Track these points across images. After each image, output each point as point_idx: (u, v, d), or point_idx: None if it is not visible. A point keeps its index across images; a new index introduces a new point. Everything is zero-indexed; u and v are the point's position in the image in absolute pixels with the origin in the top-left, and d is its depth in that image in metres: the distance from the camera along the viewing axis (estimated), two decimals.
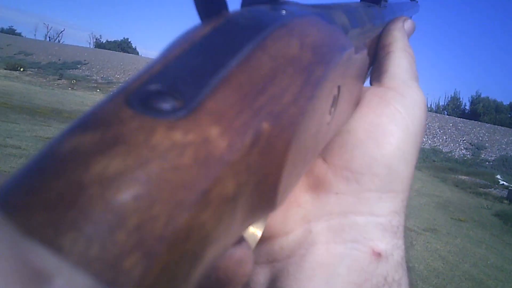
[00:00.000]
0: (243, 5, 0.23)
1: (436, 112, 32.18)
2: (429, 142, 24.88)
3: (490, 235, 7.62)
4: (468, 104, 33.57)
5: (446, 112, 33.45)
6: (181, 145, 0.12)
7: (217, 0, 0.19)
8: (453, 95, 34.90)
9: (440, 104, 35.78)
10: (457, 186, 14.64)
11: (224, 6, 0.19)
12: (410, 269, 0.28)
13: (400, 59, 0.31)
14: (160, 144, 0.12)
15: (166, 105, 0.13)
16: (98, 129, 0.12)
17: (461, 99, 34.70)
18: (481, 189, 14.11)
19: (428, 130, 26.38)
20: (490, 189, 14.15)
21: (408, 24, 0.35)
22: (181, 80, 0.14)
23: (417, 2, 0.73)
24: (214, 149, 0.13)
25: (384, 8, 0.44)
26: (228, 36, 0.17)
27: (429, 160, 20.13)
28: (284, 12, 0.20)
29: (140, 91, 0.14)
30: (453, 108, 33.78)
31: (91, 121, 0.13)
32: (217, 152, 0.13)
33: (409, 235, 6.24)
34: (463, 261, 5.56)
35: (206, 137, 0.13)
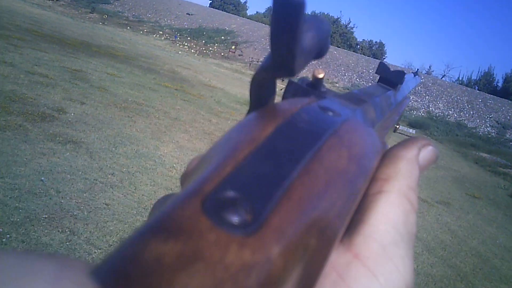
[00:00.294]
0: (286, 95, 0.27)
1: (466, 85, 31.45)
2: (455, 115, 24.44)
3: (503, 215, 7.57)
4: (501, 82, 32.54)
5: (476, 87, 32.58)
6: (249, 265, 0.12)
7: (270, 91, 0.23)
8: (486, 70, 33.92)
9: (472, 78, 34.83)
10: (476, 163, 14.45)
11: (274, 94, 0.23)
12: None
13: (392, 207, 0.20)
14: (233, 264, 0.12)
15: (238, 218, 0.13)
16: (179, 239, 0.12)
17: (494, 76, 33.67)
18: (501, 168, 13.90)
19: (455, 104, 25.85)
20: (510, 170, 13.93)
21: (426, 155, 0.25)
22: (251, 189, 0.14)
23: (419, 76, 0.78)
24: (273, 270, 0.13)
25: (398, 90, 0.45)
26: (289, 141, 0.18)
27: (452, 134, 19.82)
28: (331, 114, 0.21)
29: (215, 197, 0.14)
30: (484, 83, 32.86)
31: (172, 228, 0.13)
32: (275, 272, 0.13)
33: (422, 206, 6.23)
34: (471, 237, 5.56)
35: (268, 257, 0.13)
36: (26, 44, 8.66)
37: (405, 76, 0.48)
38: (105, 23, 27.24)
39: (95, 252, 2.49)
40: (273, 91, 0.25)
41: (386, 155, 0.24)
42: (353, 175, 0.19)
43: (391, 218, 0.20)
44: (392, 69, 0.46)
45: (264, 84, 0.24)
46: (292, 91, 0.27)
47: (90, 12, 29.76)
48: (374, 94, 0.35)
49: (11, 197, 2.72)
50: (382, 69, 0.47)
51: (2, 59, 6.50)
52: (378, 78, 0.47)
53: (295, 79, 0.26)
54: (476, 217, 6.73)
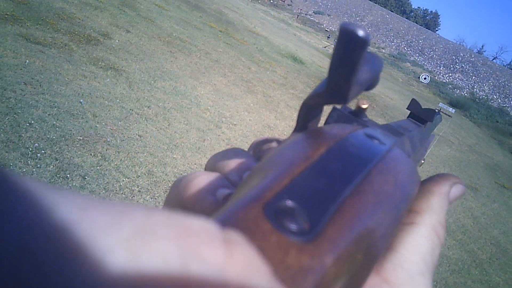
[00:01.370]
0: (329, 120, 0.28)
1: None
2: (499, 101, 23.54)
3: None
4: None
5: None
6: (306, 269, 0.13)
7: (317, 115, 0.26)
8: None
9: None
10: None
11: (319, 118, 0.26)
12: None
13: (422, 240, 0.22)
14: (292, 266, 0.13)
15: (296, 226, 0.14)
16: (245, 237, 0.13)
17: None
18: None
19: (501, 89, 24.84)
20: None
21: (456, 192, 0.26)
22: (307, 201, 0.16)
23: (440, 115, 0.79)
24: (326, 277, 0.14)
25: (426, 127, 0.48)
26: (341, 162, 0.19)
27: (493, 120, 19.16)
28: (376, 142, 0.23)
29: (275, 204, 0.15)
30: None
31: (238, 227, 0.14)
32: (327, 280, 0.14)
33: None
34: (493, 226, 5.46)
35: (323, 264, 0.14)
36: None
37: (436, 115, 0.51)
38: None
39: (123, 180, 2.54)
40: (319, 115, 0.26)
41: (420, 188, 0.26)
42: (398, 200, 0.20)
43: (420, 250, 0.22)
44: (423, 107, 0.48)
45: (314, 108, 0.25)
46: (335, 117, 0.29)
47: None
48: (408, 128, 0.37)
49: (50, 114, 2.78)
50: (414, 105, 0.49)
51: None
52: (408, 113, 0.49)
53: (339, 106, 0.28)
54: (501, 207, 6.59)
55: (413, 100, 0.48)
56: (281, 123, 4.92)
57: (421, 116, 0.47)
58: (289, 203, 0.15)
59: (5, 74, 2.95)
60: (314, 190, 0.16)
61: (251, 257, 0.12)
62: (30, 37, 3.76)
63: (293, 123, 5.10)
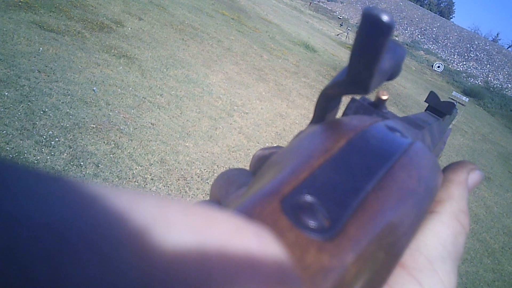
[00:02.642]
0: (347, 112, 0.27)
1: None
2: None
3: None
4: None
5: None
6: (326, 269, 0.13)
7: (335, 106, 0.25)
8: None
9: None
10: None
11: (337, 109, 0.25)
12: None
13: (442, 227, 0.21)
14: (311, 265, 0.13)
15: (316, 222, 0.14)
16: None
17: None
18: None
19: None
20: None
21: (474, 178, 0.26)
22: (327, 196, 0.15)
23: (456, 109, 0.76)
24: (346, 276, 0.13)
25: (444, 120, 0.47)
26: (362, 155, 0.18)
27: (507, 109, 18.89)
28: (399, 134, 0.22)
29: (293, 198, 0.14)
30: None
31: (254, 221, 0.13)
32: (348, 279, 0.13)
33: None
34: (506, 216, 5.41)
35: (344, 264, 0.13)
36: None
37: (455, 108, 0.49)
38: None
39: (136, 168, 2.55)
40: (337, 106, 0.26)
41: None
42: (421, 196, 0.19)
43: (441, 236, 0.21)
44: (442, 100, 0.47)
45: (333, 99, 0.24)
46: (354, 108, 0.27)
47: None
48: (427, 121, 0.36)
49: (63, 102, 2.79)
50: (432, 98, 0.47)
51: None
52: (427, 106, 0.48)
53: (358, 96, 0.27)
54: None
55: (431, 92, 0.47)
56: (293, 112, 4.89)
57: (439, 109, 0.46)
58: (308, 198, 0.14)
59: (19, 61, 2.96)
60: (335, 184, 0.15)
61: (281, 254, 0.12)
62: (43, 25, 3.77)
63: (305, 112, 5.07)
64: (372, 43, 0.18)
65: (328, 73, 8.38)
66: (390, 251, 0.16)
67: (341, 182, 0.16)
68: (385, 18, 0.18)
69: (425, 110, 0.46)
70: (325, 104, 0.25)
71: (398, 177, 0.18)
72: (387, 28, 0.18)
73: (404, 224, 0.17)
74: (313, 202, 0.14)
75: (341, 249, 0.13)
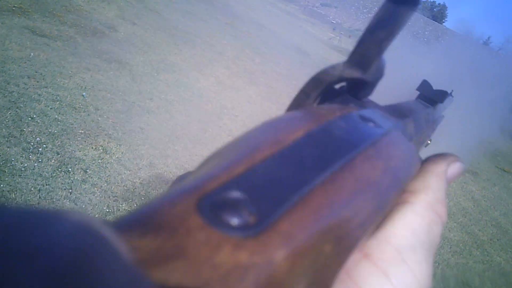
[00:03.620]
0: (323, 101, 0.25)
1: None
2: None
3: None
4: None
5: None
6: (244, 266, 0.12)
7: (318, 94, 0.23)
8: None
9: None
10: None
11: (317, 100, 0.23)
12: None
13: (414, 216, 0.20)
14: (223, 264, 0.12)
15: (238, 219, 0.13)
16: (159, 235, 0.12)
17: None
18: None
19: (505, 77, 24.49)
20: None
21: (454, 169, 0.24)
22: (261, 192, 0.14)
23: (453, 97, 0.77)
24: (275, 273, 0.12)
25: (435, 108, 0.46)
26: (319, 147, 0.17)
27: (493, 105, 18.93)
28: (372, 124, 0.21)
29: (215, 196, 0.13)
30: None
31: (153, 223, 0.12)
32: (279, 275, 0.13)
33: None
34: (494, 208, 5.39)
35: (270, 260, 0.12)
36: None
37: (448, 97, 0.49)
38: None
39: (124, 173, 2.49)
40: (319, 96, 0.24)
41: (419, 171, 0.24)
42: (385, 187, 0.18)
43: (411, 225, 0.20)
44: (434, 88, 0.46)
45: (320, 85, 0.23)
46: (331, 96, 0.25)
47: None
48: (414, 109, 0.34)
49: (52, 108, 2.73)
50: (424, 86, 0.46)
51: None
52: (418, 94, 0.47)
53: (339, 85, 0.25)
54: (502, 190, 6.53)
55: (424, 81, 0.46)
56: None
57: (431, 97, 0.46)
58: (235, 194, 0.13)
59: (9, 67, 2.90)
60: (274, 179, 0.14)
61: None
62: (36, 30, 3.71)
63: None
64: (396, 14, 0.18)
65: None
66: (339, 243, 0.15)
67: (283, 177, 0.15)
68: None
69: (416, 98, 0.46)
70: (311, 88, 0.23)
71: (359, 169, 0.17)
72: (415, 3, 0.18)
73: (360, 216, 0.16)
74: (239, 199, 0.13)
75: (268, 245, 0.12)
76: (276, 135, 0.17)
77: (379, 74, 0.23)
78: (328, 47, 15.36)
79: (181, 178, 0.21)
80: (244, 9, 13.07)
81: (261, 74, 6.12)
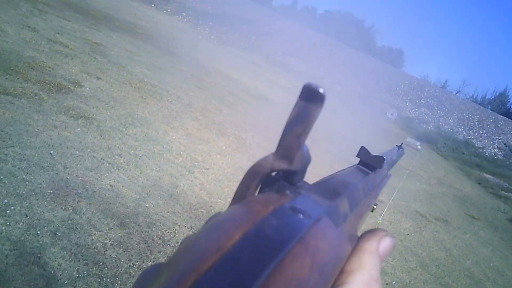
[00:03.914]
0: (263, 189, 0.27)
1: (480, 104, 31.18)
2: (464, 133, 24.23)
3: (500, 239, 7.53)
4: None
5: (489, 107, 32.33)
6: None
7: (256, 185, 0.25)
8: (502, 91, 33.70)
9: (486, 97, 34.61)
10: (479, 183, 14.35)
11: (257, 190, 0.25)
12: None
13: None
14: None
15: None
16: None
17: (509, 97, 33.40)
18: (503, 192, 13.82)
19: (465, 121, 25.63)
20: (511, 194, 13.84)
21: (385, 245, 0.27)
22: None
23: (403, 149, 0.85)
24: None
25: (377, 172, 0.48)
26: (254, 251, 0.18)
27: (459, 152, 19.66)
28: (301, 216, 0.22)
29: None
30: (498, 104, 32.58)
31: None
32: None
33: (420, 221, 6.20)
34: (466, 257, 5.53)
35: None
36: (51, 10, 8.66)
37: (385, 160, 0.52)
38: None
39: (95, 234, 2.49)
40: (259, 184, 0.26)
41: (353, 250, 0.26)
42: (313, 284, 0.19)
43: None
44: (372, 154, 0.49)
45: (258, 176, 0.25)
46: (270, 183, 0.27)
47: None
48: (350, 182, 0.37)
49: (19, 167, 2.73)
50: (363, 153, 0.49)
51: (27, 23, 6.51)
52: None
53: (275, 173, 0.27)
54: (472, 237, 6.70)
55: (362, 147, 0.50)
56: None
57: (370, 163, 0.49)
58: None
59: None
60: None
61: None
62: None
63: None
64: (309, 111, 0.22)
65: None
66: None
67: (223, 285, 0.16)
68: (321, 90, 0.22)
69: (358, 164, 0.49)
70: (250, 182, 0.26)
71: (287, 270, 0.18)
72: (322, 99, 0.22)
73: None
74: None
75: None
76: (217, 243, 0.18)
77: (305, 162, 0.26)
78: (293, 95, 15.76)
79: (145, 275, 0.25)
80: (209, 60, 13.40)
81: (230, 125, 6.25)
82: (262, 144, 6.02)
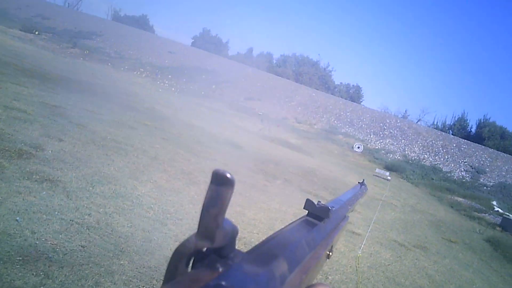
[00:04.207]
0: (195, 265, 0.28)
1: (441, 130, 32.25)
2: (430, 159, 24.88)
3: (479, 260, 7.64)
4: (474, 127, 33.55)
5: (451, 132, 33.45)
6: None
7: (185, 265, 0.27)
8: (460, 116, 35.03)
9: (447, 123, 35.89)
10: (452, 207, 14.65)
11: (187, 268, 0.27)
12: None
13: None
14: None
15: None
16: None
17: (468, 121, 34.72)
18: (476, 213, 14.12)
19: (430, 148, 26.38)
20: (484, 214, 14.16)
21: None
22: None
23: (365, 186, 0.89)
24: None
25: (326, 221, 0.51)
26: None
27: (428, 178, 20.12)
28: None
29: None
30: (459, 128, 33.78)
31: None
32: None
33: (399, 250, 6.25)
34: (449, 282, 5.58)
35: None
36: (6, 78, 8.61)
37: (333, 209, 0.53)
38: (86, 58, 27.26)
39: None
40: (189, 262, 0.28)
41: None
42: None
43: None
44: (318, 205, 0.51)
45: (185, 255, 0.27)
46: (200, 259, 0.29)
47: (71, 47, 29.81)
48: (291, 240, 0.39)
49: None
50: (309, 204, 0.51)
51: None
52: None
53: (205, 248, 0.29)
54: (452, 261, 6.78)
55: (307, 200, 0.51)
56: (228, 210, 4.92)
57: (317, 214, 0.50)
58: None
59: None
60: None
61: None
62: None
63: (239, 209, 5.13)
64: (221, 195, 0.25)
65: (257, 167, 8.61)
66: None
67: None
68: (229, 175, 0.25)
69: (307, 215, 0.51)
70: (177, 262, 0.27)
71: None
72: (232, 182, 0.25)
73: None
74: None
75: None
76: None
77: (228, 237, 0.28)
78: (259, 137, 15.96)
79: None
80: (172, 112, 13.48)
81: (200, 173, 6.26)
82: (235, 188, 6.02)
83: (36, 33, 30.95)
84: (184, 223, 4.05)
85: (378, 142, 26.01)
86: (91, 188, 4.14)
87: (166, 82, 27.94)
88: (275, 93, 31.50)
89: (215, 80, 31.20)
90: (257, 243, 0.36)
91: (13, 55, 13.91)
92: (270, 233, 0.35)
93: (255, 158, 9.69)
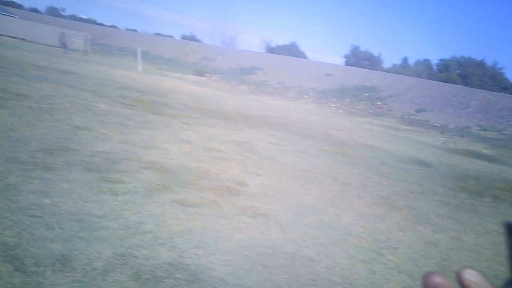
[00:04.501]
0: None
1: None
2: None
3: None
4: None
5: None
6: None
7: None
8: None
9: None
10: None
11: None
12: None
13: None
14: None
15: None
16: None
17: None
18: None
19: None
20: None
21: None
22: None
23: None
24: None
25: None
26: None
27: None
28: None
29: None
30: None
31: None
32: None
33: None
34: None
35: None
36: (195, 122, 9.57)
37: None
38: (255, 93, 29.13)
39: None
40: None
41: None
42: None
43: None
44: None
45: None
46: None
47: (240, 84, 32.25)
48: None
49: (227, 274, 2.88)
50: None
51: (181, 138, 7.24)
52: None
53: None
54: None
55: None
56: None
57: None
58: None
59: (177, 241, 3.17)
60: None
61: None
62: (183, 201, 4.10)
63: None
64: None
65: (440, 191, 8.03)
66: None
67: None
68: None
69: None
70: None
71: None
72: None
73: None
74: None
75: None
76: None
77: None
78: (442, 150, 15.01)
79: None
80: (346, 134, 13.45)
81: (397, 196, 6.05)
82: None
83: (208, 75, 34.22)
84: (401, 253, 3.90)
85: None
86: (299, 219, 4.27)
87: (332, 105, 28.27)
88: (446, 101, 29.59)
89: (378, 96, 30.61)
90: None
91: (195, 99, 15.47)
92: None
93: (449, 175, 9.07)
